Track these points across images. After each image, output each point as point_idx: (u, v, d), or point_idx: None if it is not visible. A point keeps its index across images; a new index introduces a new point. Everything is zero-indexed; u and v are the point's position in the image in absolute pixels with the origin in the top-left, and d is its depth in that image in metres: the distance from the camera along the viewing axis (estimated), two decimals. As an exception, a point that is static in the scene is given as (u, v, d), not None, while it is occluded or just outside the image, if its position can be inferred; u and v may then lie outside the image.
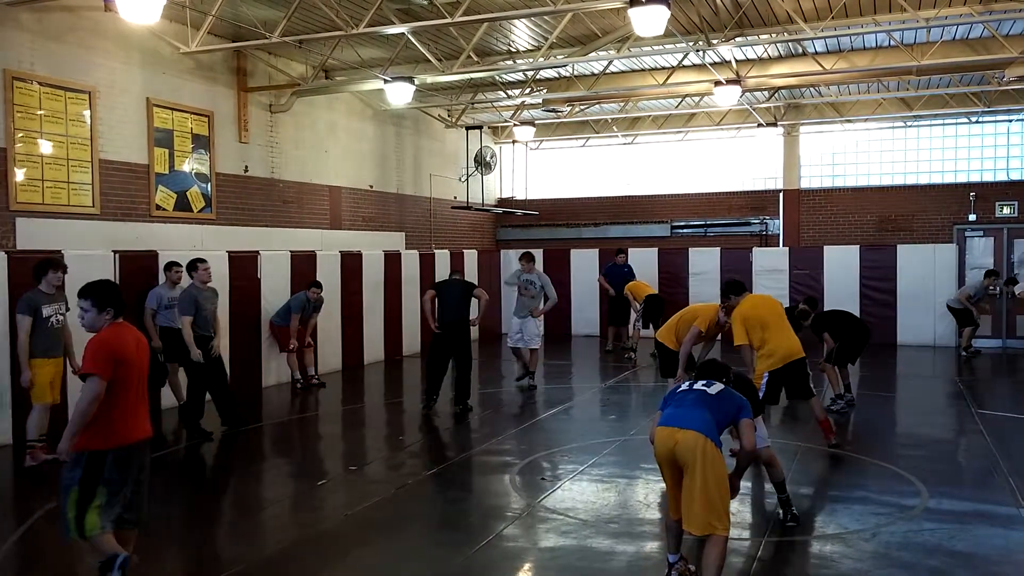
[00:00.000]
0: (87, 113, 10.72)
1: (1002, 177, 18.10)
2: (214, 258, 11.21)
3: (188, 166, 12.24)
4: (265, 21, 11.22)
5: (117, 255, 9.77)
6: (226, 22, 11.54)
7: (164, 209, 11.84)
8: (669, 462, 4.78)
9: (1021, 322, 16.43)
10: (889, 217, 18.42)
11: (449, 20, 10.34)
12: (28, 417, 7.84)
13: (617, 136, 20.21)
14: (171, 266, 9.82)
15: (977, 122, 18.22)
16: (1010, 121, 17.97)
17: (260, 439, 9.59)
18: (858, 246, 17.00)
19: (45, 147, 10.24)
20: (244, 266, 11.68)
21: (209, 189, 12.59)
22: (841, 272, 16.43)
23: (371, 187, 16.44)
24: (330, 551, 5.83)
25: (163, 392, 10.01)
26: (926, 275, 15.66)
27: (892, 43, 13.11)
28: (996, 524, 6.15)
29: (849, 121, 18.60)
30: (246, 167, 13.31)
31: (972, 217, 17.62)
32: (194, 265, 9.43)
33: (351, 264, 13.91)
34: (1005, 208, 17.48)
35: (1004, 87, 14.54)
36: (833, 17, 11.61)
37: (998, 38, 12.37)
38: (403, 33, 11.28)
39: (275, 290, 12.09)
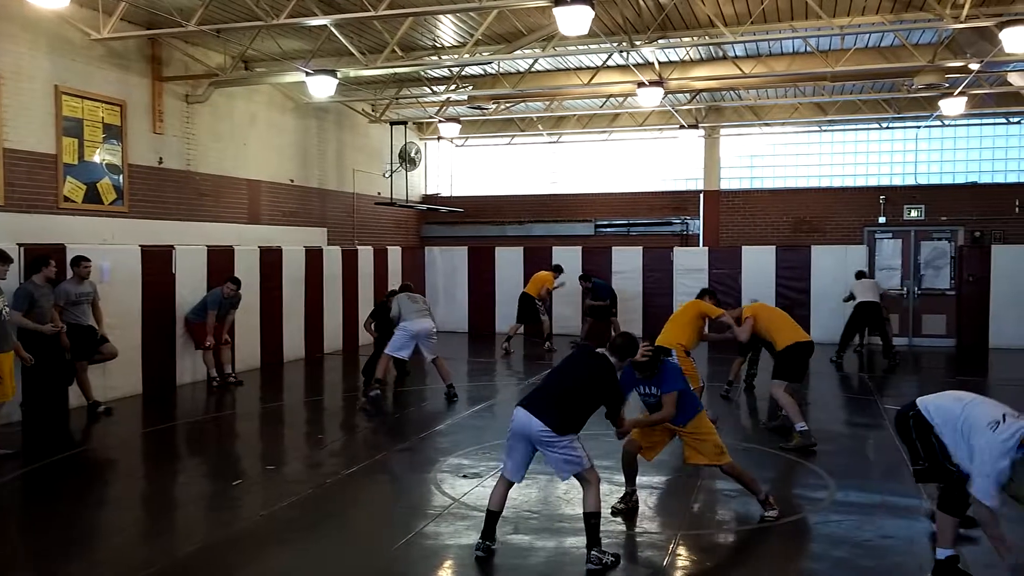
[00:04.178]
0: (-10, 99, 10.24)
1: (910, 181, 18.82)
2: (126, 252, 10.91)
3: (99, 157, 11.80)
4: (181, 8, 10.89)
5: (22, 248, 9.34)
6: (140, 8, 11.15)
7: (73, 201, 11.39)
8: None
9: (927, 321, 17.11)
10: (804, 219, 18.96)
11: (373, 13, 10.21)
12: None
13: (542, 135, 20.30)
14: (79, 261, 9.49)
15: (887, 128, 18.90)
16: (918, 127, 18.68)
17: (174, 438, 9.33)
18: (774, 246, 17.45)
19: (-57, 134, 9.75)
20: (158, 261, 11.33)
21: (121, 181, 12.17)
22: (758, 272, 16.84)
23: (292, 181, 16.15)
24: (244, 552, 5.70)
25: (70, 391, 9.67)
26: (838, 275, 16.15)
27: (808, 49, 13.48)
28: (900, 515, 6.37)
29: (767, 124, 19.07)
30: (160, 159, 12.92)
31: (882, 219, 18.26)
32: (47, 261, 9.12)
33: (270, 259, 13.64)
34: (913, 211, 18.18)
35: (913, 94, 15.09)
36: (752, 22, 11.87)
37: (908, 47, 12.83)
38: (326, 25, 11.11)
39: (190, 286, 11.76)
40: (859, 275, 14.94)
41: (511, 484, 5.59)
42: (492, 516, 5.53)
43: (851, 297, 14.52)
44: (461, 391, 11.64)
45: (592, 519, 5.29)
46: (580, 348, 5.96)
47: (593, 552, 5.22)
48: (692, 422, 6.13)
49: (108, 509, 6.82)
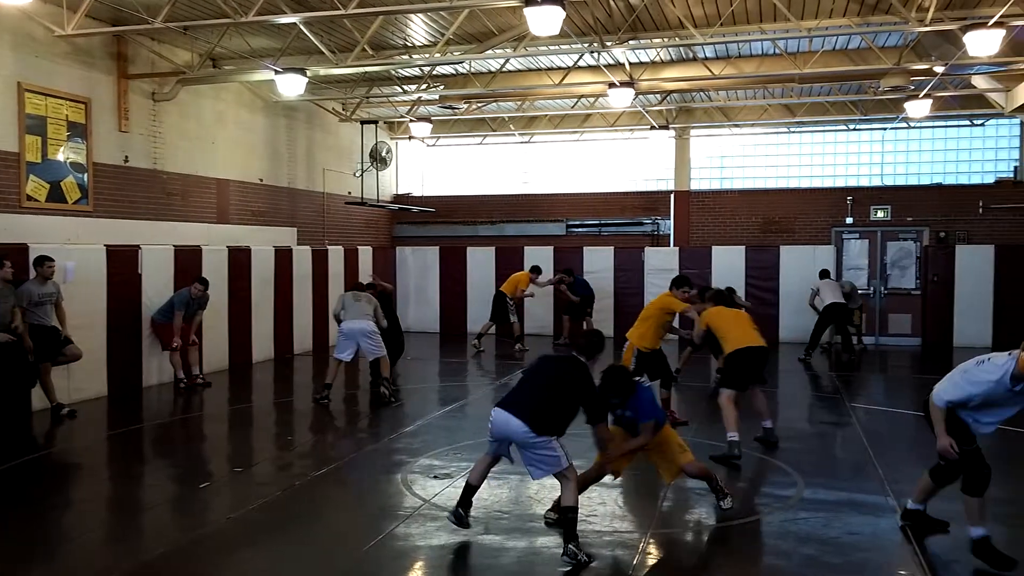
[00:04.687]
0: (-50, 96, 10.05)
1: (877, 182, 19.06)
2: (91, 252, 10.74)
3: (63, 155, 11.62)
4: (148, 5, 10.75)
5: (-17, 248, 9.18)
6: (105, 4, 11.00)
7: (36, 200, 11.21)
8: None
9: (893, 320, 17.33)
10: (773, 219, 19.13)
11: (343, 12, 10.13)
12: None
13: (514, 135, 20.30)
14: (42, 260, 9.32)
15: (855, 129, 19.12)
16: (884, 129, 18.92)
17: (140, 441, 9.20)
18: (744, 246, 17.59)
19: (-98, 131, 9.54)
20: (123, 261, 11.17)
21: (86, 180, 12.00)
22: (728, 271, 16.93)
23: (261, 180, 16.01)
24: (211, 555, 5.63)
25: (34, 393, 9.50)
26: (806, 275, 16.31)
27: (777, 51, 13.60)
28: (866, 512, 6.44)
29: (737, 125, 19.22)
30: (126, 157, 12.75)
31: (849, 220, 18.47)
32: (0, 262, 8.95)
33: (239, 259, 13.50)
34: (879, 212, 18.41)
35: (879, 96, 15.28)
36: (722, 24, 11.95)
37: (874, 49, 13.00)
38: (295, 23, 11.02)
39: (157, 286, 11.61)
40: (823, 274, 15.18)
41: (495, 460, 5.76)
42: (469, 488, 5.72)
43: (816, 294, 14.77)
44: (432, 391, 11.65)
45: (569, 513, 5.37)
46: (558, 352, 6.07)
47: (569, 546, 5.27)
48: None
49: (72, 512, 6.71)
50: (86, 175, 12.00)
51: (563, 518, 5.41)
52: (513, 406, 5.47)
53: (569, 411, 5.55)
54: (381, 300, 11.24)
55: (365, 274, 16.62)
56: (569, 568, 5.17)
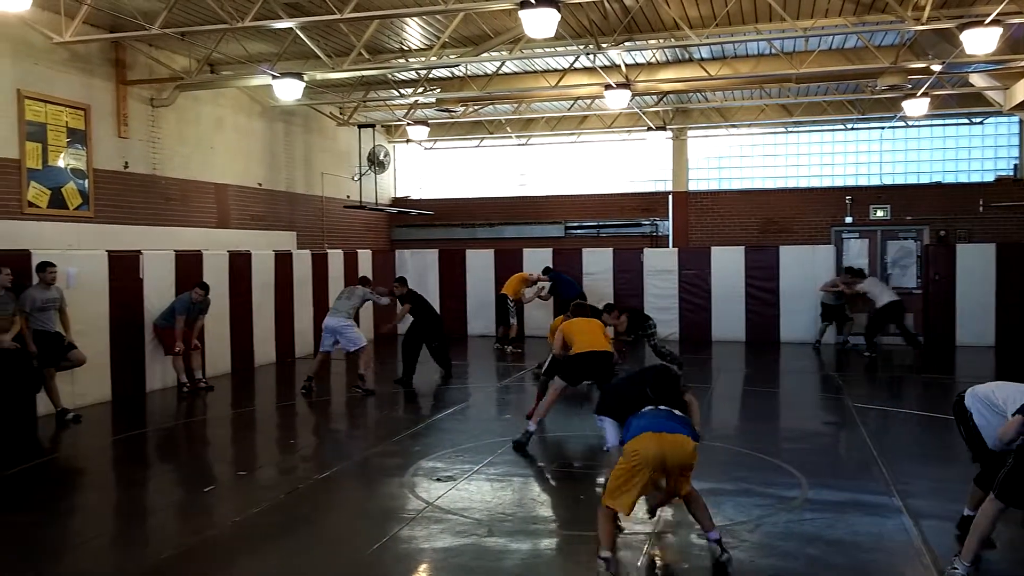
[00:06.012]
0: (-50, 104, 10.06)
1: (876, 181, 19.10)
2: (92, 258, 10.76)
3: (63, 161, 11.64)
4: (145, 11, 10.78)
5: (-16, 255, 9.19)
6: (103, 11, 11.02)
7: (37, 206, 11.23)
8: (659, 463, 5.11)
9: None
10: (772, 219, 19.15)
11: (338, 16, 10.15)
12: None
13: (511, 137, 20.32)
14: (44, 266, 9.35)
15: (852, 129, 19.16)
16: (883, 128, 18.95)
17: (144, 445, 9.21)
18: (743, 247, 17.58)
19: (-98, 139, 9.55)
20: (125, 266, 11.19)
21: (86, 186, 12.02)
22: (727, 272, 16.96)
23: (260, 185, 16.03)
24: (216, 559, 5.64)
25: (38, 399, 9.51)
26: (806, 275, 16.32)
27: (773, 51, 13.62)
28: (870, 513, 6.43)
29: (734, 126, 19.25)
30: (126, 163, 12.77)
31: (848, 219, 18.50)
32: None
33: (240, 264, 13.52)
34: (879, 211, 18.44)
35: (877, 95, 15.29)
36: (717, 24, 11.97)
37: (871, 48, 13.02)
38: (291, 28, 11.04)
39: (159, 291, 11.62)
40: (858, 272, 15.16)
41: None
42: None
43: (837, 294, 14.70)
44: (433, 394, 11.65)
45: None
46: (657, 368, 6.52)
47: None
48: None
49: (78, 517, 6.71)
50: (86, 181, 12.02)
51: None
52: None
53: (613, 394, 6.29)
54: (415, 301, 12.29)
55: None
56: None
